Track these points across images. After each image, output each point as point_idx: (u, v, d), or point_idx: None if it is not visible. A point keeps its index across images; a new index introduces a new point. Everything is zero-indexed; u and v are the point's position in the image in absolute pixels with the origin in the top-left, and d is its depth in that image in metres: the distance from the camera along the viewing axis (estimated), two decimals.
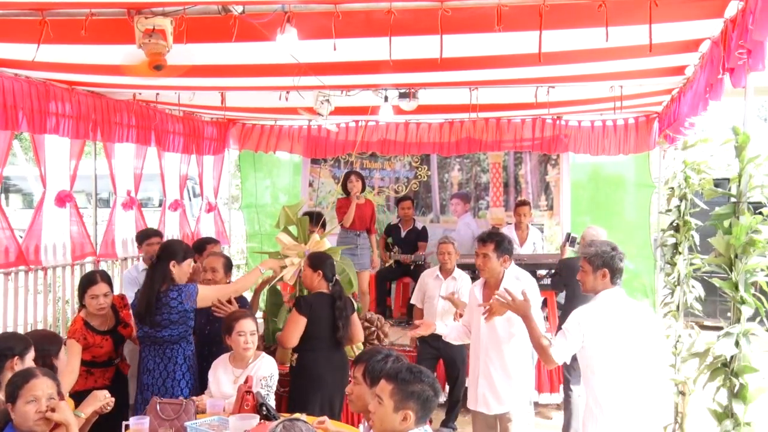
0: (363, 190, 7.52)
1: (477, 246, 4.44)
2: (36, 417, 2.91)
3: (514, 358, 4.32)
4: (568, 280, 5.56)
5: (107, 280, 4.44)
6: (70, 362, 4.10)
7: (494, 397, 4.32)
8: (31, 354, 3.28)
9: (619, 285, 3.70)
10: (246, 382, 3.86)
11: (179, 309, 4.24)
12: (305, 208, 8.33)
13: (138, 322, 4.34)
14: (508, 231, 7.71)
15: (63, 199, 6.08)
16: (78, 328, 4.30)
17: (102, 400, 3.45)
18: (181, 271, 4.37)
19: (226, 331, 4.13)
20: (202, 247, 5.53)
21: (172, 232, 7.96)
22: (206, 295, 4.38)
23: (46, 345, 3.60)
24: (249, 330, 4.07)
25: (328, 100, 6.11)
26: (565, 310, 5.12)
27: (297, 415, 3.77)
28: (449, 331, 4.63)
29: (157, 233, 6.03)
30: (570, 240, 6.85)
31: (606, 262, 3.64)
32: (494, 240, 4.32)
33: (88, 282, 4.36)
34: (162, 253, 4.40)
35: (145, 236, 5.90)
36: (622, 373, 3.52)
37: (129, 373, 4.68)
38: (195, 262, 4.74)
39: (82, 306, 4.41)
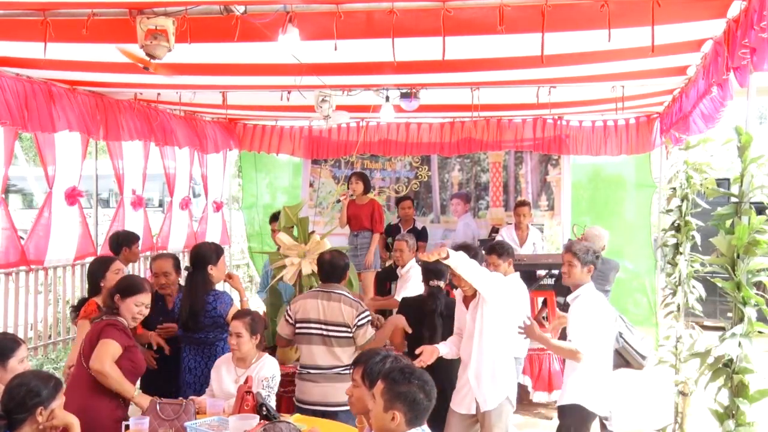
0: (366, 191, 7.49)
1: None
2: None
3: (503, 358, 4.27)
4: None
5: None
6: (77, 340, 4.23)
7: (482, 397, 4.23)
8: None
9: None
10: (246, 382, 3.86)
11: (213, 314, 4.43)
12: (306, 208, 8.34)
13: (180, 325, 4.53)
14: (508, 231, 7.71)
15: (72, 195, 6.09)
16: (92, 310, 4.36)
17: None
18: (219, 271, 4.58)
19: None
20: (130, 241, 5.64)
21: (180, 231, 7.98)
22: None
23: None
24: (235, 331, 4.06)
25: (324, 100, 6.10)
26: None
27: (286, 416, 3.80)
28: (447, 349, 4.39)
29: (138, 237, 5.99)
30: None
31: (593, 261, 4.31)
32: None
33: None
34: (197, 261, 4.53)
35: (135, 239, 5.84)
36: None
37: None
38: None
39: (94, 294, 4.48)
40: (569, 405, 4.29)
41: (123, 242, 5.80)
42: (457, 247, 4.26)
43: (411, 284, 5.76)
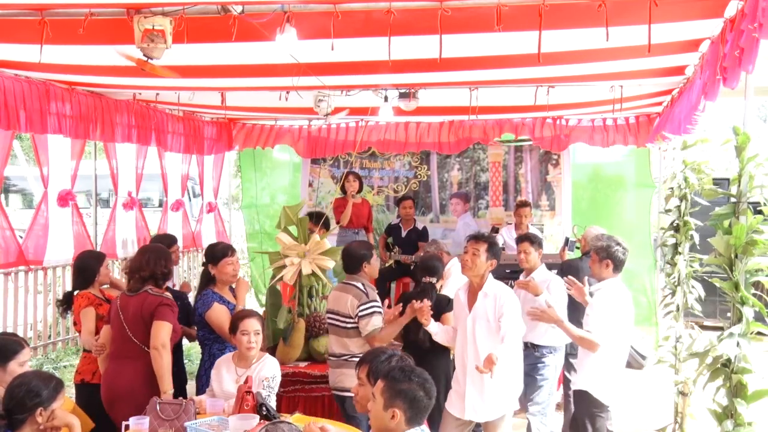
0: (360, 189, 7.75)
1: (469, 243, 4.33)
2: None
3: (506, 366, 4.13)
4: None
5: None
6: (87, 326, 4.48)
7: (485, 405, 4.19)
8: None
9: (620, 274, 4.53)
10: (246, 382, 3.85)
11: (198, 312, 4.56)
12: (305, 208, 8.35)
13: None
14: (508, 231, 7.71)
15: (65, 198, 6.09)
16: (93, 298, 4.58)
17: None
18: (219, 271, 4.63)
19: (232, 330, 4.14)
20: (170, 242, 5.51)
21: (174, 232, 7.96)
22: (213, 315, 4.50)
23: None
24: (253, 329, 4.03)
25: (322, 100, 6.11)
26: (570, 310, 5.11)
27: (286, 416, 3.79)
28: (439, 330, 4.47)
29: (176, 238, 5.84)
30: (569, 244, 6.84)
31: (610, 255, 4.46)
32: (488, 241, 4.29)
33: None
34: (205, 258, 4.79)
35: (174, 240, 5.66)
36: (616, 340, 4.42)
37: None
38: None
39: (85, 287, 4.63)
40: (578, 391, 4.45)
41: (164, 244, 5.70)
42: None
43: (451, 281, 5.73)
